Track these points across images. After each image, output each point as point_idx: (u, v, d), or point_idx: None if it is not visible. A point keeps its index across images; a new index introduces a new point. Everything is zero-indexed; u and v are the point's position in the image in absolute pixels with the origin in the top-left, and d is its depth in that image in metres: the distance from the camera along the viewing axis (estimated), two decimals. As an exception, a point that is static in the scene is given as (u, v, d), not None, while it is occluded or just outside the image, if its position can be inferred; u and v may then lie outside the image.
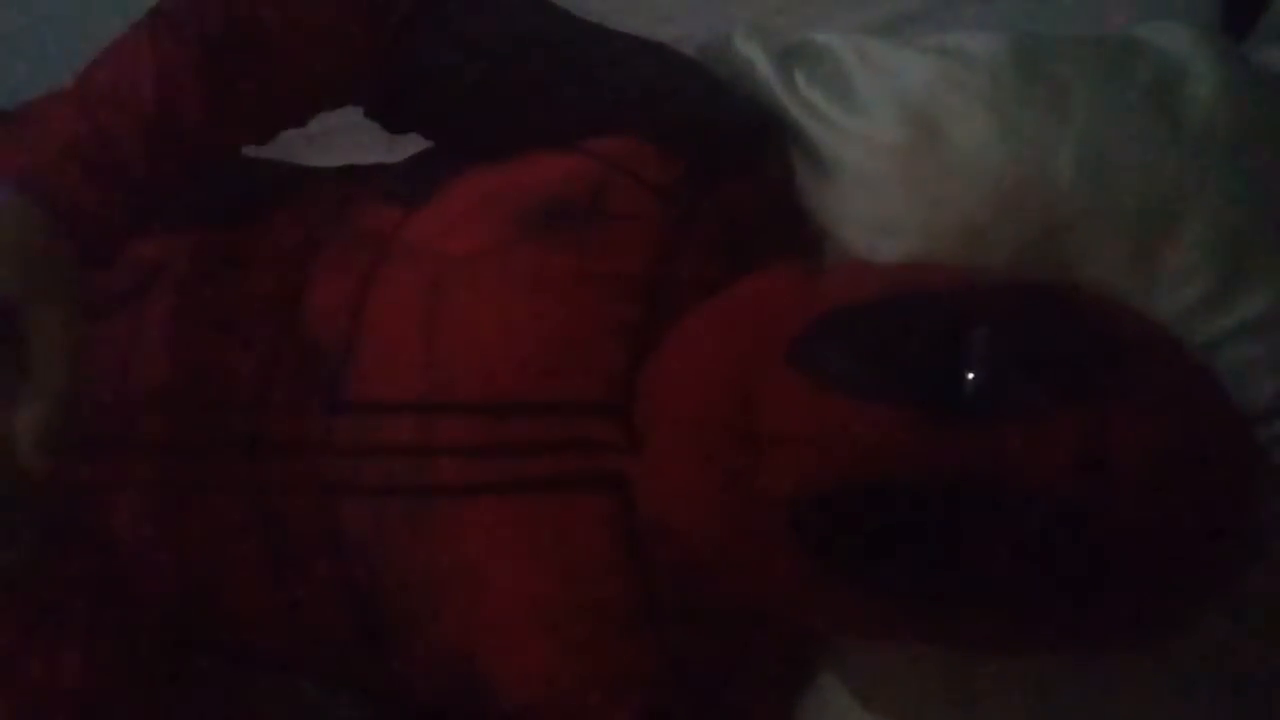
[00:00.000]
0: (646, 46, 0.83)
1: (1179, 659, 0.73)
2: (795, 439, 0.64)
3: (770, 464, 0.64)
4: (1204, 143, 0.77)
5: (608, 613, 0.71)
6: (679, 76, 0.82)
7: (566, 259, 0.72)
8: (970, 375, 0.61)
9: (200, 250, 0.81)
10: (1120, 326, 0.66)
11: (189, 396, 0.76)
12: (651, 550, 0.71)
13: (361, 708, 0.83)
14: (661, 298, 0.73)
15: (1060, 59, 0.81)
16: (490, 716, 0.74)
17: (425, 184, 0.78)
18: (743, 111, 0.82)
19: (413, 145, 0.85)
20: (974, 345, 0.62)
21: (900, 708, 0.77)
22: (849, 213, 0.81)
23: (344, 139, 0.96)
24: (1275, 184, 0.77)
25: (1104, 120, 0.78)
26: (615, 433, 0.71)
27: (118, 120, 0.69)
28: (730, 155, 0.78)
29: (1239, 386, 0.71)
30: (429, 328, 0.72)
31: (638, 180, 0.75)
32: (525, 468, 0.71)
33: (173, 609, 0.80)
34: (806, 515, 0.63)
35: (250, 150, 0.93)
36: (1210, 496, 0.63)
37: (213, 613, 0.79)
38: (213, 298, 0.78)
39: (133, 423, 0.77)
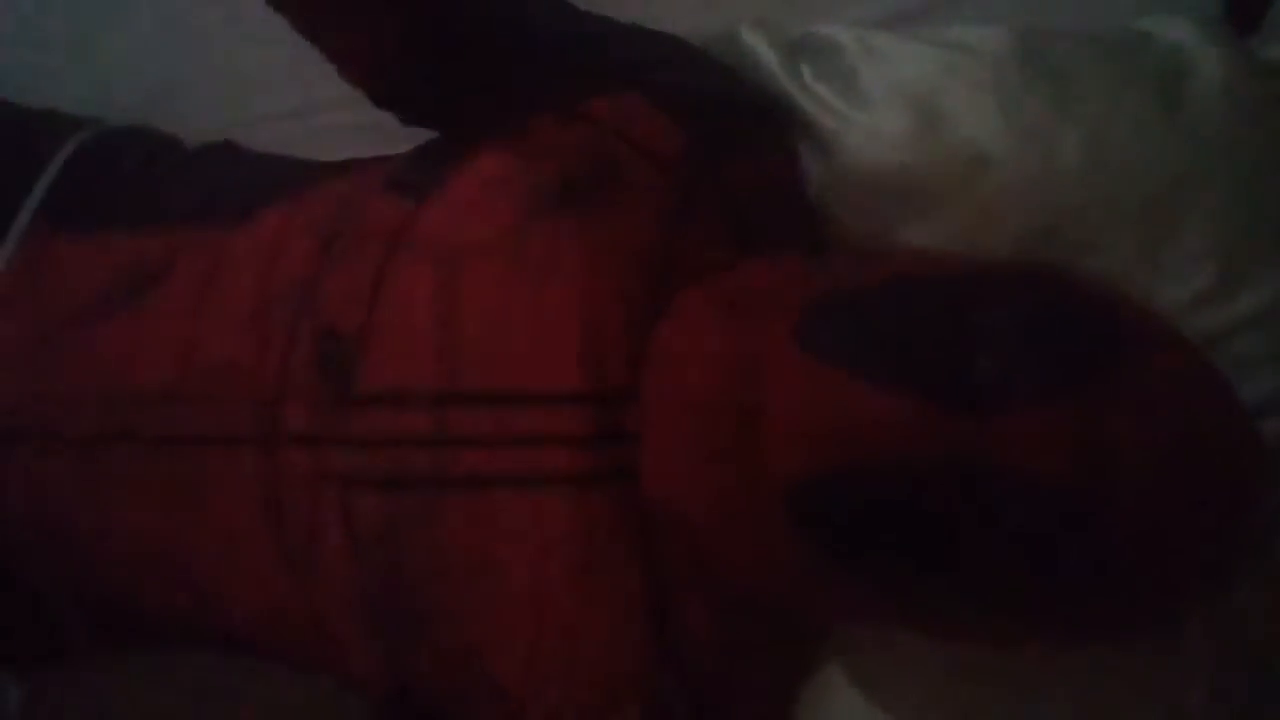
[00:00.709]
0: (655, 30, 0.84)
1: (1177, 655, 0.74)
2: (798, 420, 0.64)
3: (772, 445, 0.64)
4: (1208, 136, 0.77)
5: (615, 609, 0.71)
6: (686, 51, 0.83)
7: (578, 242, 0.72)
8: (975, 362, 0.61)
9: (205, 247, 0.81)
10: (1123, 318, 0.66)
11: (199, 392, 0.76)
12: (657, 544, 0.71)
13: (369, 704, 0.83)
14: (668, 280, 0.73)
15: (1065, 52, 0.81)
16: (495, 713, 0.74)
17: (433, 173, 0.78)
18: (746, 89, 0.83)
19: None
20: (979, 332, 0.62)
21: (902, 701, 0.77)
22: (854, 203, 0.81)
23: (343, 137, 0.96)
24: (1276, 180, 0.77)
25: (1108, 113, 0.78)
26: (630, 420, 0.71)
27: None
28: (732, 129, 0.78)
29: (1241, 379, 0.71)
30: (444, 318, 0.72)
31: (643, 153, 0.75)
32: (541, 460, 0.70)
33: (180, 607, 0.80)
34: (807, 497, 0.63)
35: (251, 146, 0.94)
36: (1212, 490, 0.62)
37: (220, 610, 0.79)
38: (221, 294, 0.78)
39: (139, 419, 0.77)
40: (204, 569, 0.77)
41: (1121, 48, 0.81)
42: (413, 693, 0.77)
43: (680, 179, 0.75)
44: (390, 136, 0.87)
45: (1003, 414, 0.60)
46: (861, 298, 0.66)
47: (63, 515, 0.80)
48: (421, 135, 0.84)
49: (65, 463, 0.79)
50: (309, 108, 1.12)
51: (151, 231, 0.83)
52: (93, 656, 0.92)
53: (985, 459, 0.60)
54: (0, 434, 0.80)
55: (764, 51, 0.86)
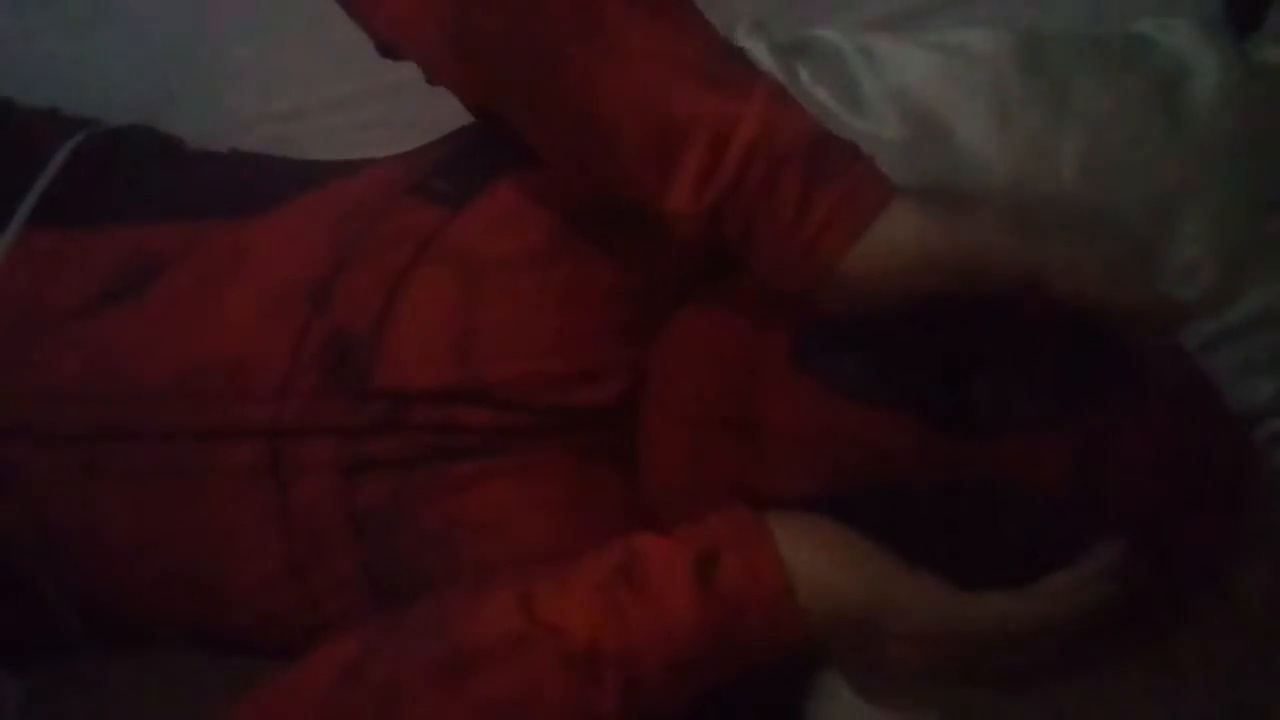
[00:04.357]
0: None
1: (1176, 658, 0.74)
2: (796, 440, 0.64)
3: (769, 464, 0.64)
4: (1205, 141, 0.77)
5: None
6: None
7: (605, 268, 0.72)
8: (972, 385, 0.61)
9: (211, 242, 0.80)
10: (1118, 334, 0.66)
11: (203, 388, 0.76)
12: (652, 519, 0.71)
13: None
14: (679, 297, 0.73)
15: (1063, 56, 0.81)
16: None
17: (470, 182, 0.78)
18: None
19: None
20: (976, 354, 0.62)
21: (899, 703, 0.77)
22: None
23: (342, 137, 0.96)
24: (1275, 183, 0.77)
25: (1106, 118, 0.78)
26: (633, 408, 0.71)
27: None
28: None
29: (1238, 385, 0.71)
30: (463, 327, 0.72)
31: None
32: (542, 447, 0.71)
33: (179, 606, 0.80)
34: None
35: (252, 146, 0.94)
36: (1208, 505, 0.63)
37: (221, 610, 0.79)
38: (230, 290, 0.78)
39: (140, 415, 0.77)
40: (205, 566, 0.77)
41: (1120, 52, 0.81)
42: None
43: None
44: (391, 138, 0.87)
45: (1001, 437, 0.60)
46: (857, 318, 0.66)
47: (62, 513, 0.80)
48: (422, 132, 0.84)
49: (65, 460, 0.79)
50: (308, 108, 1.12)
51: (152, 225, 0.83)
52: (92, 656, 0.92)
53: (984, 481, 0.60)
54: None
55: (760, 53, 0.86)
